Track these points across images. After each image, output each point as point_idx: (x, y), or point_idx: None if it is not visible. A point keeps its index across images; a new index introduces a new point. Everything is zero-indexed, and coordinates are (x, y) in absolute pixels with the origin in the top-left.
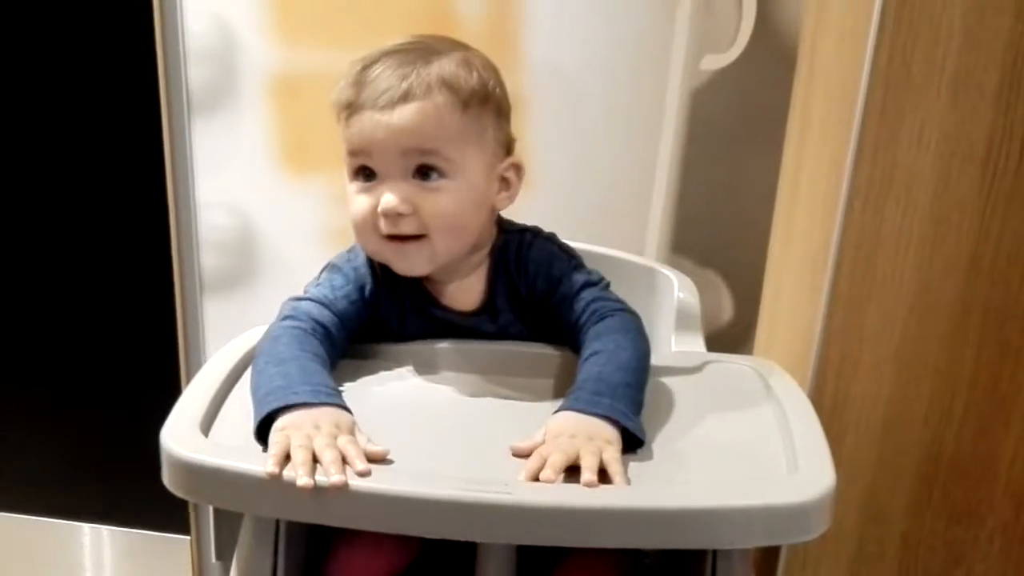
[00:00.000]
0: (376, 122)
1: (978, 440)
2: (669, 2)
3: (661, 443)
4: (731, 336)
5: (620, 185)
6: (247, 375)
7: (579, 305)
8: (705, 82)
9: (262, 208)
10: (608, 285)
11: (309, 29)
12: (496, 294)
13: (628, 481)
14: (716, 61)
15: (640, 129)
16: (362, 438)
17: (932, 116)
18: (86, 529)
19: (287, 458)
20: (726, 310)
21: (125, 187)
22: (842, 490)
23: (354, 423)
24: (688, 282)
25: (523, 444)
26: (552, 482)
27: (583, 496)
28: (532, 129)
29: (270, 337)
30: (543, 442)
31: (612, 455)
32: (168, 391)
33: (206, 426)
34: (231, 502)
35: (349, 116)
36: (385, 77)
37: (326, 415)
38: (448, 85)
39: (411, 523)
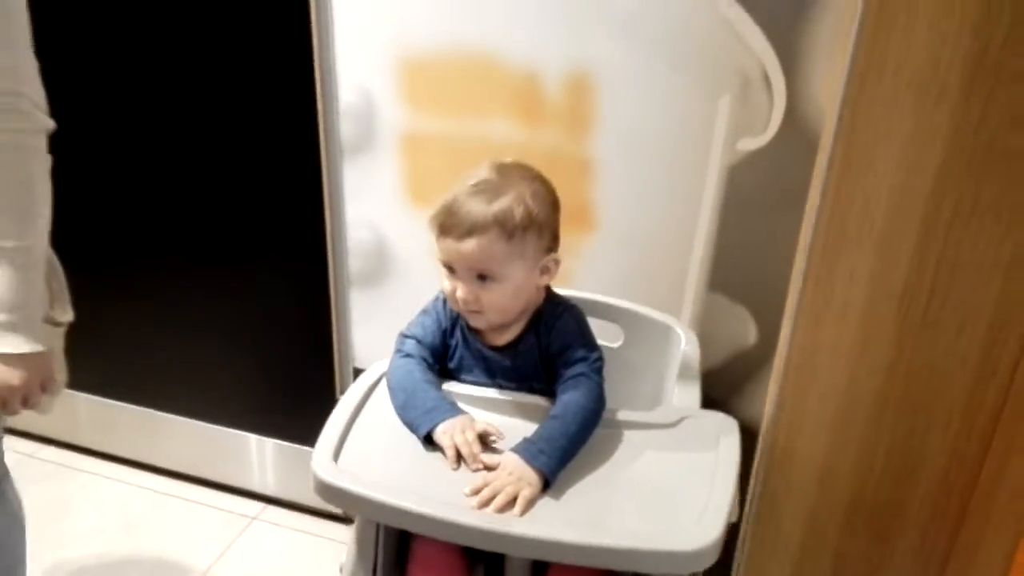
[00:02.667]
0: (453, 247)
1: (892, 488)
2: (712, 92)
3: (613, 486)
4: (756, 356)
5: (668, 235)
6: (369, 409)
7: (568, 372)
8: (741, 160)
9: (392, 227)
10: (599, 362)
11: (428, 100)
12: (523, 340)
13: (521, 514)
14: (751, 143)
15: (686, 192)
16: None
17: (862, 261)
18: (253, 440)
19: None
20: (752, 335)
21: (295, 210)
22: (791, 513)
23: (473, 420)
24: (693, 338)
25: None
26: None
27: (531, 527)
28: (600, 183)
29: (398, 370)
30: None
31: (527, 496)
32: (324, 348)
33: (336, 454)
34: (349, 508)
35: (439, 237)
36: (460, 216)
37: (462, 421)
38: (499, 223)
39: (444, 534)
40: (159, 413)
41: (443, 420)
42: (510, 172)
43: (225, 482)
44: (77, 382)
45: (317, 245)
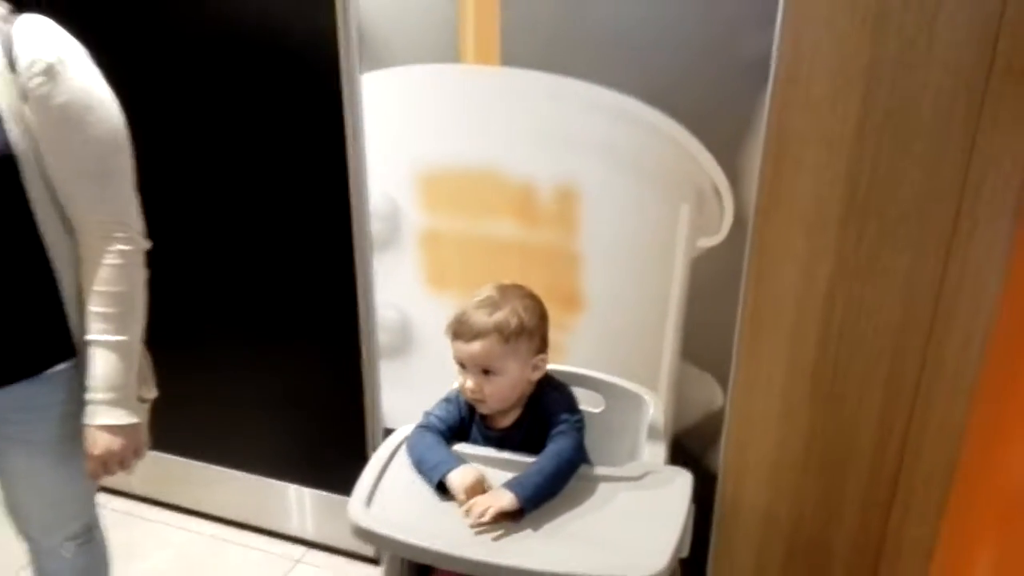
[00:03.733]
0: (463, 348)
1: (820, 530)
2: (674, 200)
3: (585, 526)
4: (723, 416)
5: (643, 315)
6: (394, 465)
7: (553, 431)
8: (701, 254)
9: (414, 307)
10: (579, 423)
11: (443, 205)
12: (522, 421)
13: (490, 519)
14: (708, 241)
15: (658, 280)
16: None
17: (780, 345)
18: (293, 490)
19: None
20: (718, 399)
21: (333, 294)
22: (742, 552)
23: (476, 468)
24: (660, 404)
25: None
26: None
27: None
28: (586, 272)
29: (419, 435)
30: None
31: (497, 507)
32: (357, 410)
33: (368, 500)
34: (379, 546)
35: (453, 341)
36: (468, 324)
37: (468, 471)
38: (498, 330)
39: (452, 566)
40: (213, 466)
41: (452, 469)
42: (507, 291)
43: (271, 528)
44: None
45: (351, 322)
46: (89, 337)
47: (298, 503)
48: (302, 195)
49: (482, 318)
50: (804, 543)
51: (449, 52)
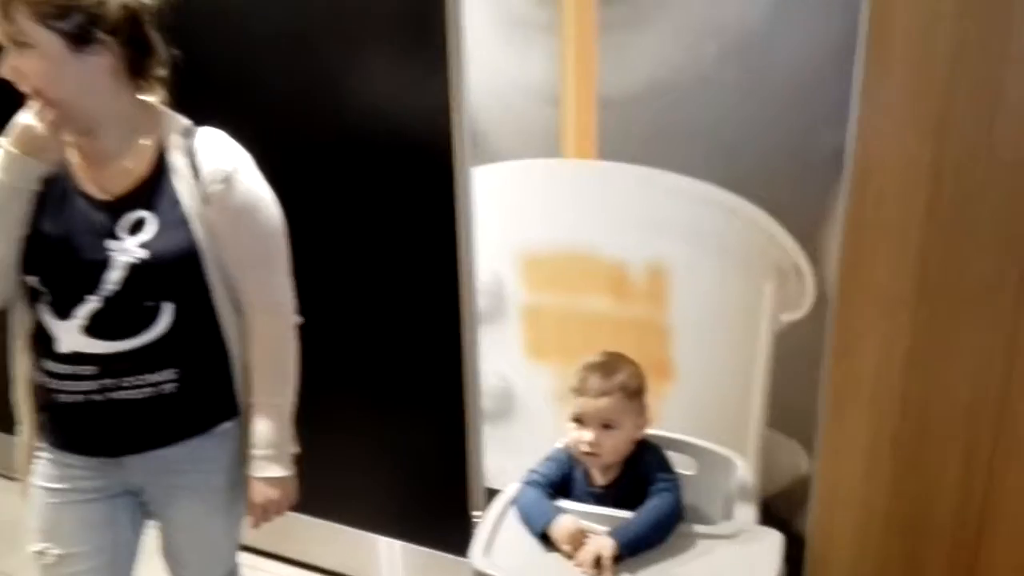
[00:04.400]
0: (590, 403)
1: None
2: (758, 278)
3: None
4: (806, 481)
5: (731, 384)
6: (507, 519)
7: (651, 488)
8: (785, 328)
9: (516, 376)
10: (676, 481)
11: (543, 282)
12: (621, 479)
13: (592, 561)
14: (791, 316)
15: (744, 352)
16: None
17: (862, 413)
18: (383, 541)
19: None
20: (804, 465)
21: (442, 361)
22: None
23: (576, 519)
24: (748, 467)
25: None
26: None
27: None
28: (676, 344)
29: (524, 491)
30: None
31: (598, 549)
32: (460, 470)
33: (487, 549)
34: None
35: (577, 396)
36: (595, 382)
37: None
38: (622, 388)
39: None
40: (320, 520)
41: (554, 520)
42: (619, 356)
43: None
44: None
45: (457, 389)
46: (252, 399)
47: (402, 557)
48: (417, 273)
49: (607, 377)
50: None
51: (551, 148)
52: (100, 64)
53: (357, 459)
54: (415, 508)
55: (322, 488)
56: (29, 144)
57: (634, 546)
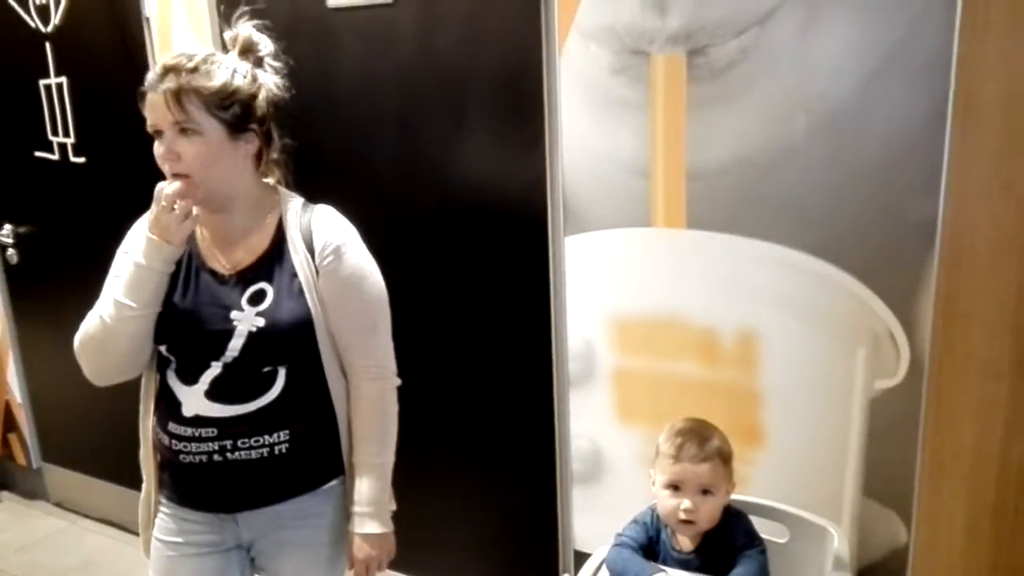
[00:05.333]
0: (689, 469)
1: None
2: (851, 345)
3: None
4: (904, 552)
5: (824, 451)
6: None
7: (741, 555)
8: (879, 395)
9: (606, 439)
10: (762, 547)
11: (633, 347)
12: (706, 545)
13: None
14: (885, 383)
15: (837, 419)
16: None
17: (960, 484)
18: None
19: None
20: (902, 535)
21: (533, 424)
22: None
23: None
24: (844, 537)
25: None
26: None
27: None
28: (767, 409)
29: (617, 552)
30: None
31: None
32: (550, 532)
33: None
34: None
35: (675, 463)
36: (696, 448)
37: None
38: (720, 454)
39: None
40: None
41: (656, 573)
42: (706, 423)
43: None
44: None
45: (548, 451)
46: (356, 458)
47: None
48: (511, 337)
49: (704, 443)
50: None
51: (641, 217)
52: (247, 150)
53: (451, 518)
54: (506, 568)
55: (418, 546)
56: (166, 230)
57: None
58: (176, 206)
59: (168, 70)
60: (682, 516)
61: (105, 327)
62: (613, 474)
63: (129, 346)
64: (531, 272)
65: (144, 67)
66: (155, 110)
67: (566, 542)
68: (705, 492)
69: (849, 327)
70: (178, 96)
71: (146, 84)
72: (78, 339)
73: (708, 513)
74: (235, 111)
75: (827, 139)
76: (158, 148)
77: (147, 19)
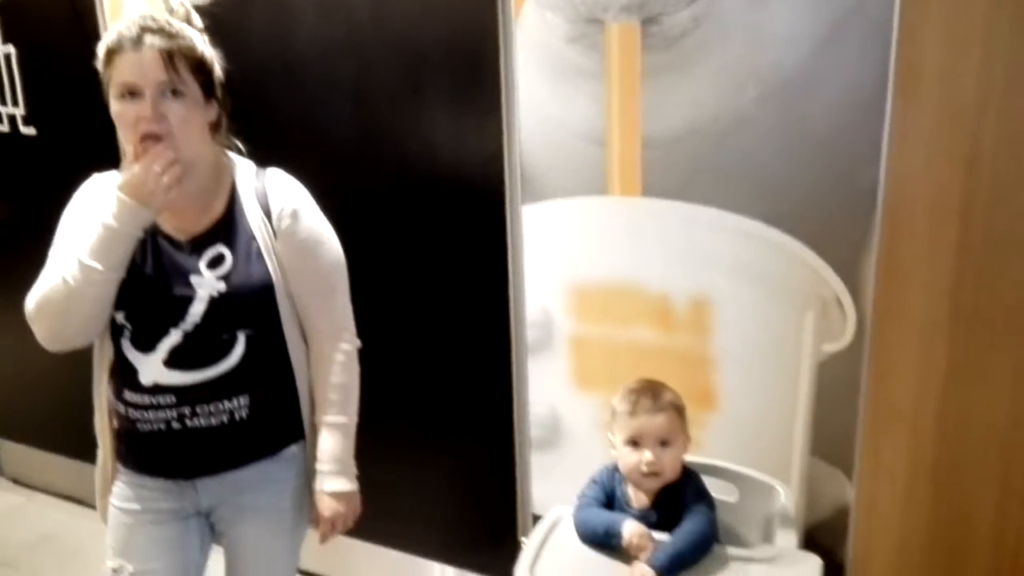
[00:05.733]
0: (648, 422)
1: None
2: (799, 309)
3: None
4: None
5: (774, 413)
6: (551, 542)
7: (689, 510)
8: (827, 358)
9: (563, 405)
10: (712, 507)
11: (590, 314)
12: (660, 502)
13: None
14: (832, 347)
15: (786, 382)
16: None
17: (899, 442)
18: (436, 567)
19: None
20: (849, 494)
21: (491, 391)
22: None
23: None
24: (791, 495)
25: None
26: None
27: None
28: (719, 373)
29: (581, 508)
30: None
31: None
32: (508, 496)
33: (532, 567)
34: None
35: (632, 417)
36: (650, 401)
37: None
38: (674, 406)
39: None
40: (370, 544)
41: (624, 521)
42: (655, 380)
43: None
44: None
45: (507, 417)
46: (319, 419)
47: None
48: (468, 305)
49: (657, 397)
50: None
51: (597, 185)
52: (211, 116)
53: (410, 486)
54: (465, 534)
55: (376, 514)
56: (151, 195)
57: (672, 568)
58: (162, 166)
59: (148, 30)
60: (645, 469)
61: (68, 289)
62: (571, 439)
63: (92, 309)
64: (488, 240)
65: (95, 35)
66: (138, 69)
67: (525, 507)
68: (664, 444)
69: (799, 293)
70: (171, 56)
71: (118, 43)
72: (34, 301)
73: (670, 464)
74: (206, 76)
75: (778, 108)
76: (132, 108)
77: None
